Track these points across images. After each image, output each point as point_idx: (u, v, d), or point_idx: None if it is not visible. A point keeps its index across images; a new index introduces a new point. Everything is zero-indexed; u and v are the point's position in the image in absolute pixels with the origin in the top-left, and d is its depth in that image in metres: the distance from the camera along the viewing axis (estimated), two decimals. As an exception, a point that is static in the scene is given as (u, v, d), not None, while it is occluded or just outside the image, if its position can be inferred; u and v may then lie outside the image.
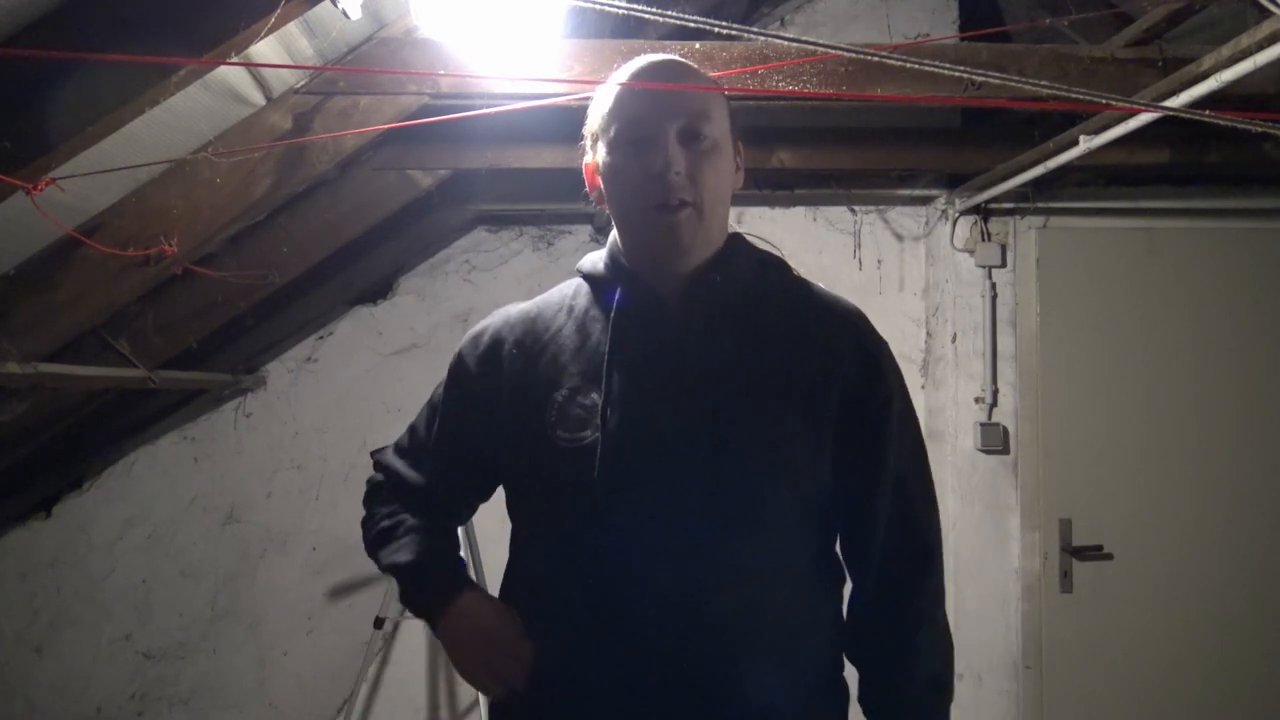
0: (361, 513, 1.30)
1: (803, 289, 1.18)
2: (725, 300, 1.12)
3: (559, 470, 1.07)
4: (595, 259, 1.20)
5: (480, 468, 1.20)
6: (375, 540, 1.24)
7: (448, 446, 1.22)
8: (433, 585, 1.17)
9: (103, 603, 3.26)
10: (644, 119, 1.07)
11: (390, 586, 2.91)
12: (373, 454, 1.32)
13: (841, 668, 1.17)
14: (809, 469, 1.07)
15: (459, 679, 3.17)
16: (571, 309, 1.18)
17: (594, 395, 1.07)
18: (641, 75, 1.11)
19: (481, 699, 2.70)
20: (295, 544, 3.31)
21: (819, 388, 1.08)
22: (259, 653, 3.28)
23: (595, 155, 1.14)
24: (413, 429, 1.28)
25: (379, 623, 2.84)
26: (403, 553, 1.17)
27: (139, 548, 3.28)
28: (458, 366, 1.22)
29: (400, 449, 1.29)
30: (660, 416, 1.06)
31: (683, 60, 1.15)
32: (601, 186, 1.14)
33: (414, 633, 3.20)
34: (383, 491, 1.28)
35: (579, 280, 1.21)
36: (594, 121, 1.14)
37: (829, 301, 1.18)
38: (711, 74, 1.21)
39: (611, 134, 1.10)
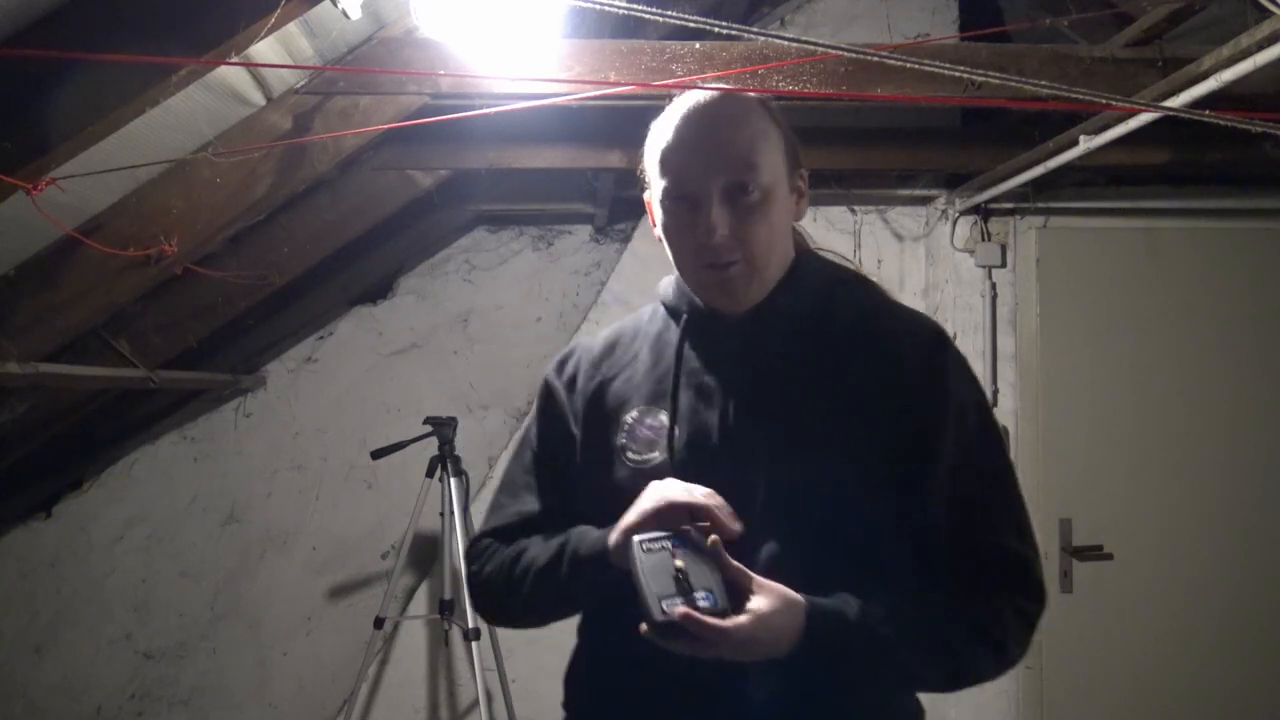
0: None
1: (876, 307, 1.15)
2: (791, 323, 1.11)
3: (628, 490, 1.05)
4: (668, 283, 1.20)
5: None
6: (497, 591, 1.15)
7: (547, 472, 1.21)
8: (580, 550, 1.07)
9: (103, 603, 3.26)
10: (687, 176, 1.06)
11: (389, 586, 2.91)
12: (469, 546, 1.26)
13: (912, 694, 1.12)
14: (872, 491, 1.04)
15: (458, 679, 3.17)
16: (647, 332, 1.20)
17: (662, 416, 1.10)
18: (688, 120, 1.08)
19: (481, 699, 2.70)
20: (295, 544, 3.31)
21: (881, 408, 1.06)
22: (259, 653, 3.28)
23: (651, 190, 1.13)
24: (503, 483, 1.25)
25: (379, 623, 2.84)
26: (537, 561, 1.11)
27: (139, 548, 3.28)
28: (545, 395, 1.23)
29: (493, 508, 1.24)
30: (725, 439, 1.06)
31: (734, 98, 1.10)
32: (657, 223, 1.13)
33: (414, 633, 3.20)
34: (484, 552, 1.19)
35: (657, 303, 1.23)
36: (647, 161, 1.13)
37: (902, 319, 1.14)
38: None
39: (660, 187, 1.09)
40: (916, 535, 1.06)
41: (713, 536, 0.94)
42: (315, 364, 3.36)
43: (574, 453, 1.17)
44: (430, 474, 2.85)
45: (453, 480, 2.81)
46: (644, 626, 0.90)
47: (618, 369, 1.18)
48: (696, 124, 1.07)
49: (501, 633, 2.95)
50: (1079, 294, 2.93)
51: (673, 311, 1.18)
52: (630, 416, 1.12)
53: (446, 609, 2.88)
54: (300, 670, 3.28)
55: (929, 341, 1.11)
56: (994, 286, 2.96)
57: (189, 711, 3.26)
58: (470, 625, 2.69)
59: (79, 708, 3.23)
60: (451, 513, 2.81)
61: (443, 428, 2.84)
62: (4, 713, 3.21)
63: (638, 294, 3.13)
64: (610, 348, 1.21)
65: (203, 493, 3.31)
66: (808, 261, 1.16)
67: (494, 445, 3.29)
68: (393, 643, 3.18)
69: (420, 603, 3.18)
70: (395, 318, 3.39)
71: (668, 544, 0.93)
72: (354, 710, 2.93)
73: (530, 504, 1.20)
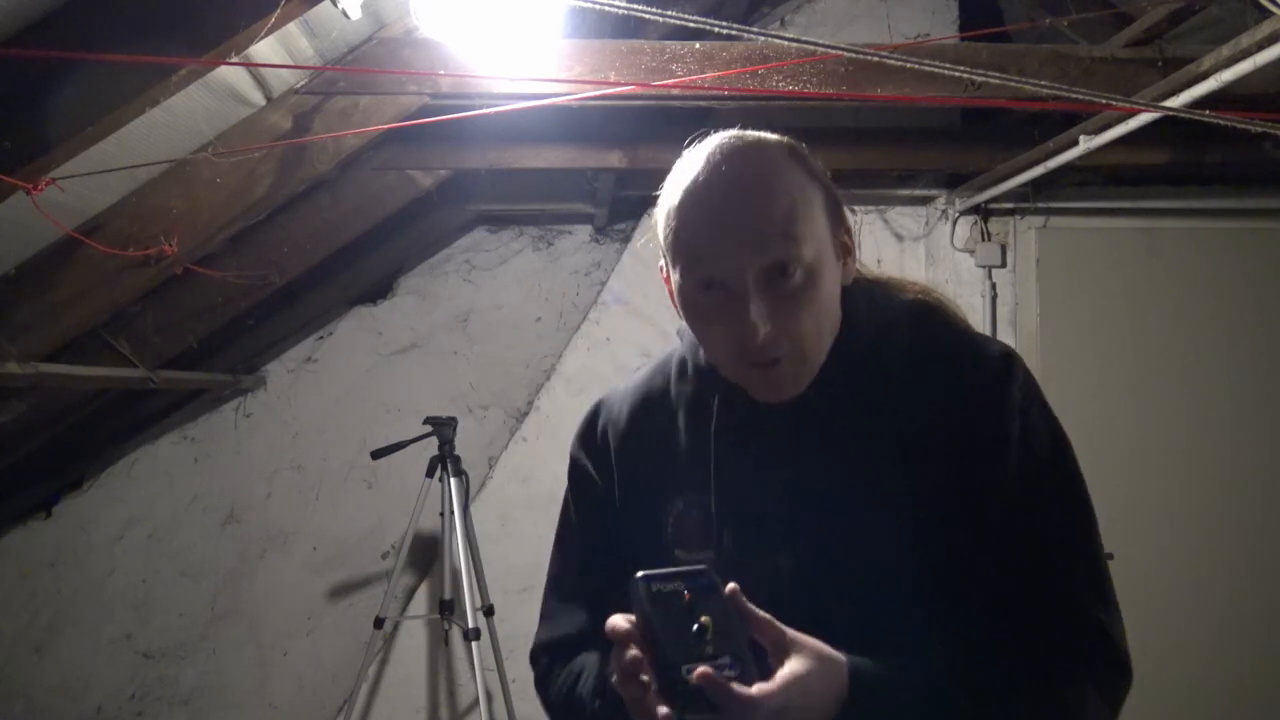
0: None
1: (936, 343, 0.98)
2: (841, 388, 0.96)
3: None
4: (695, 344, 1.01)
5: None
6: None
7: (597, 570, 1.09)
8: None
9: (103, 603, 3.26)
10: (714, 261, 0.87)
11: (389, 586, 2.91)
12: (531, 658, 1.16)
13: None
14: (942, 567, 0.91)
15: (458, 679, 3.18)
16: (680, 394, 1.05)
17: (709, 509, 0.99)
18: (708, 185, 0.88)
19: (481, 700, 2.71)
20: (295, 544, 3.32)
21: (944, 467, 0.93)
22: (259, 653, 3.28)
23: (667, 266, 0.95)
24: (551, 580, 1.14)
25: (379, 623, 2.84)
26: (592, 704, 1.01)
27: (139, 548, 3.28)
28: (575, 476, 1.11)
29: (544, 611, 1.14)
30: (776, 531, 0.95)
31: (759, 150, 0.90)
32: (679, 308, 0.95)
33: (414, 633, 3.20)
34: (545, 676, 1.10)
35: (686, 356, 1.06)
36: (659, 232, 0.94)
37: (964, 352, 0.98)
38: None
39: (679, 264, 0.90)
40: (987, 601, 0.92)
41: (731, 584, 0.80)
42: (315, 364, 3.36)
43: (617, 533, 1.07)
44: (430, 474, 2.85)
45: (453, 480, 2.81)
46: (654, 688, 0.77)
47: (652, 443, 1.04)
48: (718, 191, 0.87)
49: (501, 632, 2.95)
50: (1079, 294, 2.93)
51: (705, 376, 1.02)
52: (676, 507, 1.00)
53: (446, 609, 2.88)
54: (300, 670, 3.28)
55: (992, 373, 0.95)
56: (994, 286, 2.96)
57: (189, 711, 3.26)
58: (470, 625, 2.69)
59: (79, 708, 3.23)
60: (451, 513, 2.81)
61: (443, 428, 2.85)
62: (4, 713, 3.21)
63: (638, 294, 3.14)
64: (636, 415, 1.07)
65: (203, 493, 3.31)
66: (859, 307, 0.98)
67: (494, 445, 3.30)
68: (393, 643, 3.18)
69: (420, 603, 3.18)
70: (395, 318, 3.39)
71: (681, 585, 0.80)
72: (354, 710, 2.93)
73: (579, 615, 1.08)
